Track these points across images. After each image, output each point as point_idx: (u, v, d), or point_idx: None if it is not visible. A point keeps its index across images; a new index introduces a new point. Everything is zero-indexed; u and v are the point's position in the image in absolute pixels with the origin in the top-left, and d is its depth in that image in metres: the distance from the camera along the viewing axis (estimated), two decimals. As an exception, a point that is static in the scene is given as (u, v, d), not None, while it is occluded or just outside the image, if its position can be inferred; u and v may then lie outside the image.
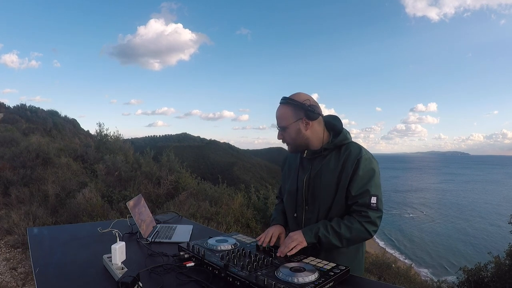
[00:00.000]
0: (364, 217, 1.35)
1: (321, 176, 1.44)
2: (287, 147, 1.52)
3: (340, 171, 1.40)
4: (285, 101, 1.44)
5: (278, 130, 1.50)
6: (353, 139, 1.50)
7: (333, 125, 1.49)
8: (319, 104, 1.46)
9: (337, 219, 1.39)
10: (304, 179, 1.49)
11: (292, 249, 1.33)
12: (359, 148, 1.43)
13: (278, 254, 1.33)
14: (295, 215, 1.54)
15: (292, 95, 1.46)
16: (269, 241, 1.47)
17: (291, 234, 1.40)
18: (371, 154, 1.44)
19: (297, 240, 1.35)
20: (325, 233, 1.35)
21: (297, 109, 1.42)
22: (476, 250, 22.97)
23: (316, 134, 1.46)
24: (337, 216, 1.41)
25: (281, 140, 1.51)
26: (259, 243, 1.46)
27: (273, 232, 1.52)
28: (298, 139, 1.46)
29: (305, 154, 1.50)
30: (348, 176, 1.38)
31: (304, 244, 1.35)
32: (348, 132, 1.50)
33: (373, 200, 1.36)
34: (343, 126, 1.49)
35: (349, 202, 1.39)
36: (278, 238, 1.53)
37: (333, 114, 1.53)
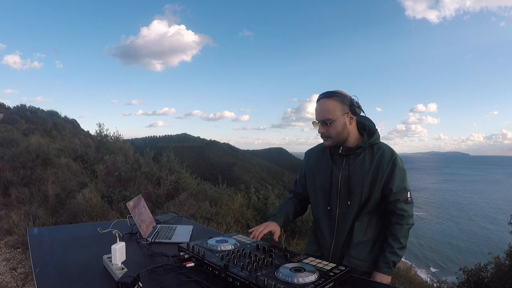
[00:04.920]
0: (402, 216, 1.48)
1: (358, 173, 1.50)
2: (325, 141, 1.54)
3: (375, 169, 1.48)
4: (332, 95, 1.48)
5: (319, 124, 1.51)
6: None
7: (365, 125, 1.54)
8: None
9: (391, 237, 1.49)
10: (339, 175, 1.53)
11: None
12: (391, 148, 1.53)
13: None
14: (329, 208, 1.58)
15: (337, 90, 1.50)
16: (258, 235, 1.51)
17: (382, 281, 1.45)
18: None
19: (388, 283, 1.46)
20: (395, 257, 1.48)
21: (344, 104, 1.47)
22: (462, 251, 23.11)
23: (354, 130, 1.53)
24: (371, 210, 1.51)
25: (321, 134, 1.52)
26: (251, 236, 1.52)
27: (266, 226, 1.55)
28: (343, 133, 1.50)
29: (340, 151, 1.54)
30: (385, 174, 1.47)
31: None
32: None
33: (409, 194, 1.51)
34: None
35: (391, 199, 1.49)
36: (270, 236, 1.56)
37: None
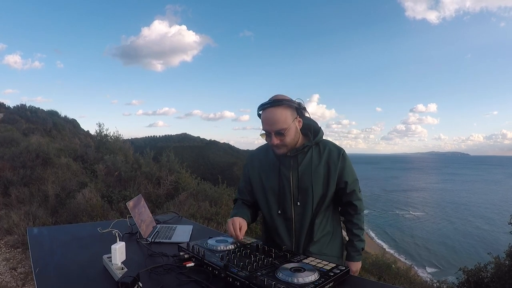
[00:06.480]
0: (360, 204, 1.58)
1: (309, 171, 1.49)
2: (278, 150, 1.47)
3: (326, 164, 1.50)
4: (281, 102, 1.41)
5: (271, 135, 1.42)
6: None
7: (310, 125, 1.53)
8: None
9: (355, 227, 1.57)
10: (290, 175, 1.51)
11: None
12: (335, 144, 1.57)
13: None
14: (284, 210, 1.54)
15: (280, 95, 1.44)
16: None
17: (353, 270, 1.53)
18: None
19: (358, 271, 1.57)
20: (363, 244, 1.58)
21: (292, 108, 1.44)
22: (457, 251, 23.20)
23: (300, 131, 1.53)
24: (327, 205, 1.53)
25: (275, 145, 1.44)
26: (236, 239, 1.44)
27: (238, 222, 1.46)
28: (296, 138, 1.48)
29: (289, 153, 1.50)
30: (337, 168, 1.50)
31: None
32: None
33: (358, 184, 1.59)
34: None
35: (348, 190, 1.54)
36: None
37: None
